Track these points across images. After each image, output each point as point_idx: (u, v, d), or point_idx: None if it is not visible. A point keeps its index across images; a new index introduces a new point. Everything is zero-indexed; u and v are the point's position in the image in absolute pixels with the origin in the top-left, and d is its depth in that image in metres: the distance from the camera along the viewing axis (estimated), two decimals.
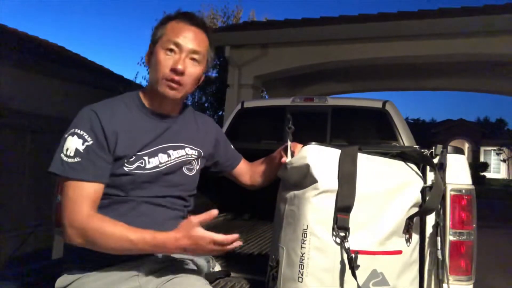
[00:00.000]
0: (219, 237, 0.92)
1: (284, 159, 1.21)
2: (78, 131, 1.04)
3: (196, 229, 0.92)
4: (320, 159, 1.11)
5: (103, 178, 1.04)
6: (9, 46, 4.23)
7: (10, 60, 4.24)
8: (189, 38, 1.10)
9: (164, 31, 1.11)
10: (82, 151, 1.02)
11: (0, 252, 3.55)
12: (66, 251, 1.16)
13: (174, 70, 1.08)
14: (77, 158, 1.01)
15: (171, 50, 1.09)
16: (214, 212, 0.93)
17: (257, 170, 1.39)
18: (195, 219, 0.93)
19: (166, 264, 1.13)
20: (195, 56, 1.12)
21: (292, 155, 1.18)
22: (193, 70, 1.12)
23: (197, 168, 1.24)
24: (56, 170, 1.02)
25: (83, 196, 1.01)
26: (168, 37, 1.10)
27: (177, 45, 1.09)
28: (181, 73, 1.09)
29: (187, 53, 1.10)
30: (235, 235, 0.93)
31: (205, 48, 1.14)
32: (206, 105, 11.43)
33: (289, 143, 1.22)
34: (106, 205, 1.07)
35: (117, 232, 0.97)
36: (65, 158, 1.02)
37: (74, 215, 0.99)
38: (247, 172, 1.41)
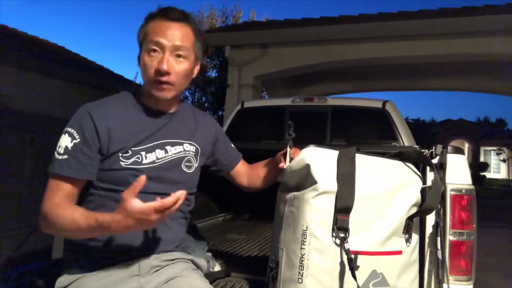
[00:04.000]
0: (157, 204, 0.86)
1: (282, 165, 1.21)
2: (69, 130, 1.06)
3: (132, 205, 0.86)
4: (319, 160, 1.11)
5: (83, 174, 1.05)
6: (9, 46, 4.23)
7: (10, 60, 4.24)
8: (170, 35, 1.07)
9: (145, 32, 1.09)
10: (70, 148, 1.04)
11: (0, 252, 3.55)
12: (66, 251, 1.16)
13: (158, 71, 1.07)
14: (65, 155, 1.04)
15: (154, 50, 1.07)
16: (142, 178, 0.88)
17: (256, 173, 1.38)
18: (125, 194, 0.87)
19: (166, 264, 1.13)
20: (180, 52, 1.09)
21: (291, 161, 1.18)
22: (180, 67, 1.10)
23: (196, 165, 1.23)
24: (49, 169, 1.05)
25: (58, 189, 1.03)
26: (149, 38, 1.08)
27: (158, 44, 1.07)
28: (167, 73, 1.07)
29: (170, 50, 1.07)
30: (177, 193, 0.88)
31: (189, 41, 1.11)
32: (206, 105, 11.43)
33: (288, 149, 1.22)
34: (103, 203, 1.07)
35: (67, 216, 0.97)
36: (56, 156, 1.05)
37: (43, 204, 1.02)
38: (246, 173, 1.40)
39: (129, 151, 1.08)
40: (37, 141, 4.42)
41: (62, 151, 1.04)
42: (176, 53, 1.08)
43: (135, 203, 0.86)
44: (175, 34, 1.08)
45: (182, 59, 1.10)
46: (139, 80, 9.82)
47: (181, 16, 1.11)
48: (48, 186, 1.05)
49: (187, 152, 1.20)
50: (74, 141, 1.05)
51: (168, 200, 0.86)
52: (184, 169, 1.19)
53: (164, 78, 1.07)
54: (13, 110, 4.19)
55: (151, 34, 1.08)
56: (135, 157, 1.09)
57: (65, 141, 1.05)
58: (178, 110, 1.22)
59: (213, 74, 11.40)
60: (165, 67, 1.06)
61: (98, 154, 1.06)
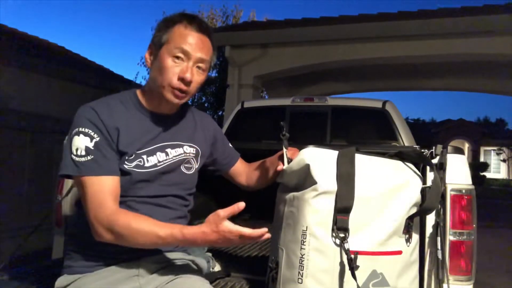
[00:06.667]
0: (246, 231, 0.90)
1: (280, 167, 1.21)
2: (83, 130, 1.03)
3: (224, 224, 0.90)
4: (319, 160, 1.11)
5: (117, 171, 1.05)
6: (9, 46, 4.22)
7: (10, 60, 4.24)
8: (197, 47, 1.09)
9: (171, 36, 1.09)
10: (92, 148, 1.02)
11: (0, 252, 3.55)
12: (66, 251, 1.16)
13: (182, 80, 1.07)
14: (90, 156, 1.02)
15: (178, 57, 1.07)
16: (241, 204, 0.92)
17: (254, 173, 1.38)
18: (223, 213, 0.91)
19: (166, 264, 1.13)
20: (201, 65, 1.11)
21: (289, 162, 1.18)
22: (199, 79, 1.12)
23: (196, 167, 1.24)
24: (70, 172, 1.02)
25: (103, 192, 1.00)
26: (175, 44, 1.07)
27: (185, 53, 1.07)
28: (189, 82, 1.08)
29: (194, 61, 1.09)
30: (263, 230, 0.92)
31: (209, 55, 1.14)
32: (206, 105, 11.43)
33: (284, 150, 1.22)
34: None
35: (145, 228, 0.96)
36: (77, 159, 1.01)
37: (100, 212, 0.98)
38: (244, 172, 1.41)
39: (133, 154, 1.08)
40: (37, 141, 4.42)
41: (83, 153, 1.01)
42: (198, 64, 1.10)
43: (226, 223, 0.90)
44: (201, 47, 1.10)
45: (201, 72, 1.12)
46: (139, 80, 9.84)
47: (206, 29, 1.13)
48: (88, 193, 1.00)
49: (187, 154, 1.20)
50: (94, 140, 1.03)
51: (256, 232, 0.91)
52: (184, 170, 1.19)
53: (185, 88, 1.08)
54: (13, 110, 4.19)
55: (178, 41, 1.08)
56: (137, 160, 1.09)
57: (82, 142, 1.02)
58: (177, 112, 1.22)
59: (213, 74, 11.41)
60: (189, 76, 1.07)
61: (117, 151, 1.06)
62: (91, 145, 1.02)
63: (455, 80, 7.94)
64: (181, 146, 1.19)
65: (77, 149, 1.02)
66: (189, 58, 1.08)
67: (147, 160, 1.10)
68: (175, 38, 1.08)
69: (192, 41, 1.08)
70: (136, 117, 1.13)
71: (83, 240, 1.08)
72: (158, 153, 1.13)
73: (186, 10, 1.17)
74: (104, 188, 1.01)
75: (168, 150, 1.15)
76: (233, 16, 12.66)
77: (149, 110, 1.15)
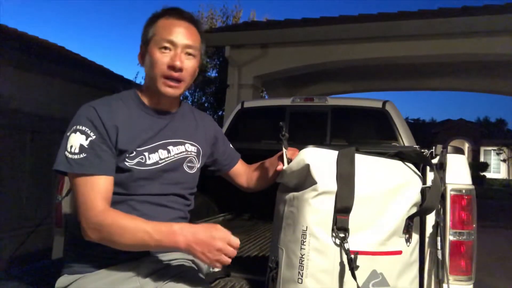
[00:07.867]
0: (234, 238, 0.94)
1: (280, 167, 1.21)
2: (80, 127, 1.04)
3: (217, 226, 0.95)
4: (318, 160, 1.11)
5: (110, 171, 1.04)
6: (9, 46, 4.22)
7: (10, 60, 4.24)
8: (182, 34, 1.11)
9: (155, 29, 1.11)
10: (86, 146, 1.02)
11: (0, 252, 3.55)
12: (66, 251, 1.16)
13: (172, 67, 1.09)
14: (83, 154, 1.02)
15: (165, 48, 1.10)
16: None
17: (254, 174, 1.38)
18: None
19: (166, 264, 1.13)
20: (190, 51, 1.12)
21: (289, 162, 1.18)
22: (190, 65, 1.13)
23: (198, 166, 1.24)
24: (62, 168, 1.02)
25: (94, 191, 1.00)
26: (160, 36, 1.09)
27: (171, 42, 1.09)
28: (179, 69, 1.09)
29: (182, 48, 1.10)
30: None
31: (198, 41, 1.15)
32: (206, 105, 11.43)
33: (284, 150, 1.22)
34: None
35: (132, 224, 0.96)
36: (70, 156, 1.02)
37: (89, 211, 0.99)
38: (244, 173, 1.41)
39: (134, 151, 1.08)
40: (37, 141, 4.42)
41: (76, 151, 1.01)
42: (186, 51, 1.12)
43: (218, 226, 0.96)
44: (186, 33, 1.12)
45: (191, 57, 1.13)
46: (139, 80, 9.83)
47: (189, 17, 1.15)
48: (78, 191, 1.01)
49: (189, 153, 1.20)
50: (90, 138, 1.03)
51: (237, 241, 0.95)
52: (186, 169, 1.19)
53: (176, 74, 1.10)
54: (13, 110, 4.19)
55: (163, 32, 1.10)
56: (139, 157, 1.09)
57: (78, 140, 1.02)
58: (178, 110, 1.22)
59: (213, 74, 11.41)
60: (178, 63, 1.09)
61: (115, 150, 1.06)
62: (86, 143, 1.02)
63: (455, 80, 7.94)
64: (183, 144, 1.19)
65: (71, 146, 1.02)
66: (176, 46, 1.10)
67: (149, 158, 1.10)
68: (160, 31, 1.10)
69: (176, 30, 1.10)
70: (137, 115, 1.13)
71: (83, 240, 1.07)
72: (160, 151, 1.13)
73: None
74: (94, 188, 1.01)
75: (170, 147, 1.15)
76: (233, 16, 12.65)
77: (150, 108, 1.16)
